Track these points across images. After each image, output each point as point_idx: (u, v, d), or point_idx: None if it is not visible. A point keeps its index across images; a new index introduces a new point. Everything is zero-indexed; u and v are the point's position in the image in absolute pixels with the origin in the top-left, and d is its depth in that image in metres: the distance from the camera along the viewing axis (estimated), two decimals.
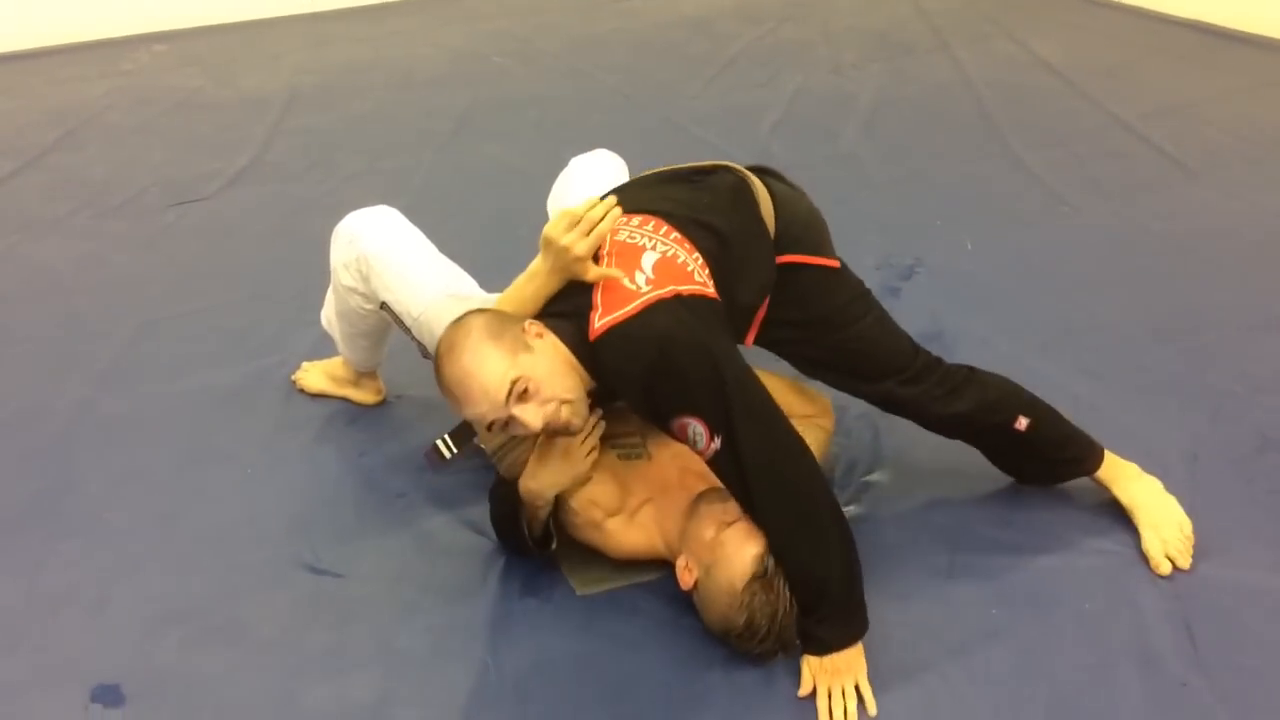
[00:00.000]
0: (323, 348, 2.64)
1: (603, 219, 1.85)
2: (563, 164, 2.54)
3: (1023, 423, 2.07)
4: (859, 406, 2.42)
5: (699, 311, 1.81)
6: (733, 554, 1.79)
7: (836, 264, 2.07)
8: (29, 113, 4.50)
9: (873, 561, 2.07)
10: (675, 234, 1.90)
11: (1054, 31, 5.12)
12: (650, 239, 1.89)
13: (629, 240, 1.88)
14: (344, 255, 2.23)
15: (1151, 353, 2.68)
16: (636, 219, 1.93)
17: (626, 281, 1.81)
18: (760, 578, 1.76)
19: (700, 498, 1.90)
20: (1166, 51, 4.82)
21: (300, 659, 1.91)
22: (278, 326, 2.87)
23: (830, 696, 1.78)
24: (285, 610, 2.01)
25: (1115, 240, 3.24)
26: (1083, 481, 2.17)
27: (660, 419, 1.82)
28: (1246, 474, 2.26)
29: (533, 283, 1.90)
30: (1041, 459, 2.15)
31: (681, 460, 2.02)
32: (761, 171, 2.09)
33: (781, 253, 2.00)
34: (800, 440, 1.82)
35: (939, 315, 2.75)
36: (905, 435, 2.32)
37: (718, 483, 1.95)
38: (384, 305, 2.21)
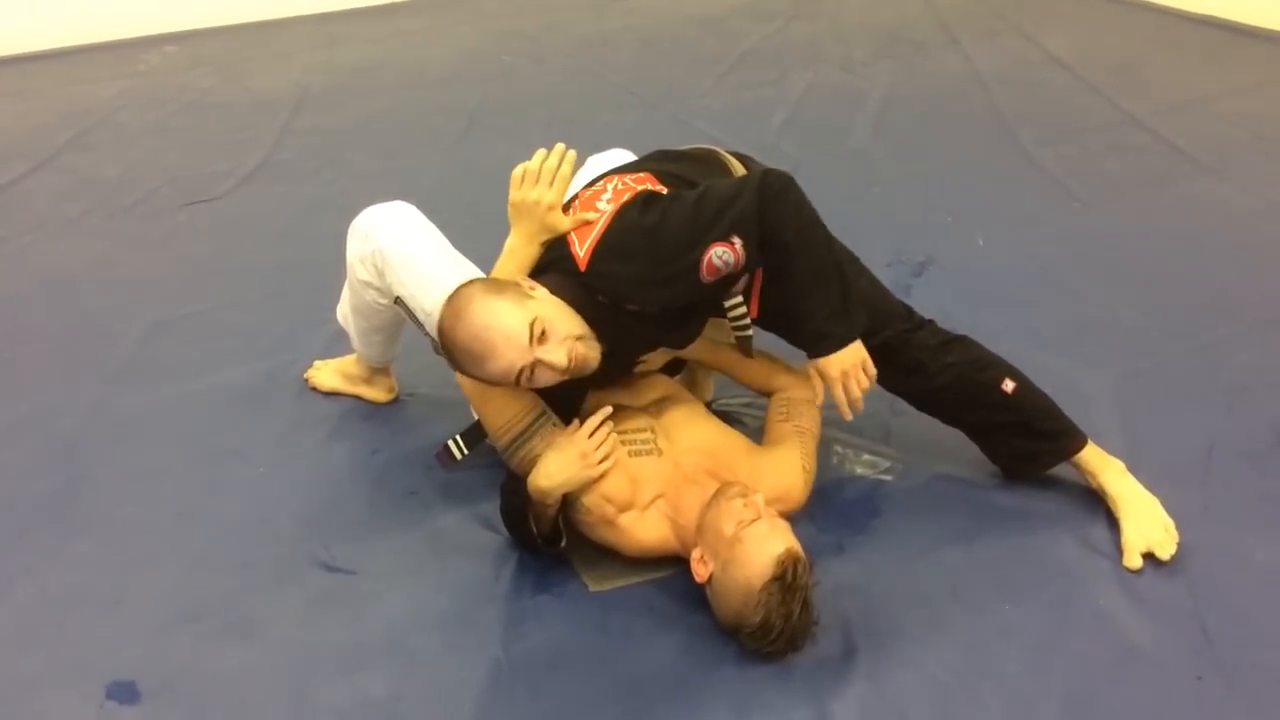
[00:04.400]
0: (335, 346, 2.65)
1: (560, 165, 1.93)
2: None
3: (1009, 385, 2.11)
4: (869, 405, 2.41)
5: (654, 194, 1.93)
6: (753, 552, 1.79)
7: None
8: (41, 114, 4.52)
9: (885, 559, 2.07)
10: (640, 174, 2.02)
11: (1064, 27, 5.11)
12: (610, 182, 2.00)
13: (590, 192, 2.00)
14: (360, 250, 2.24)
15: (1166, 348, 2.67)
16: (600, 181, 2.04)
17: (590, 214, 1.93)
18: (779, 579, 1.76)
19: (720, 492, 1.90)
20: (1178, 47, 4.80)
21: (313, 656, 1.91)
22: (290, 325, 2.87)
23: (845, 387, 1.96)
24: (298, 607, 2.01)
25: (1127, 236, 3.23)
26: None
27: (693, 284, 1.88)
28: (1262, 469, 2.25)
29: (513, 258, 1.96)
30: (1030, 432, 2.15)
31: (693, 455, 2.03)
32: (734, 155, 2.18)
33: None
34: (775, 181, 1.90)
35: (951, 312, 2.73)
36: (916, 434, 2.32)
37: (731, 477, 1.96)
38: (398, 300, 2.21)
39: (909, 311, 2.17)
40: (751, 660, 1.84)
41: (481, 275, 2.25)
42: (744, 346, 2.16)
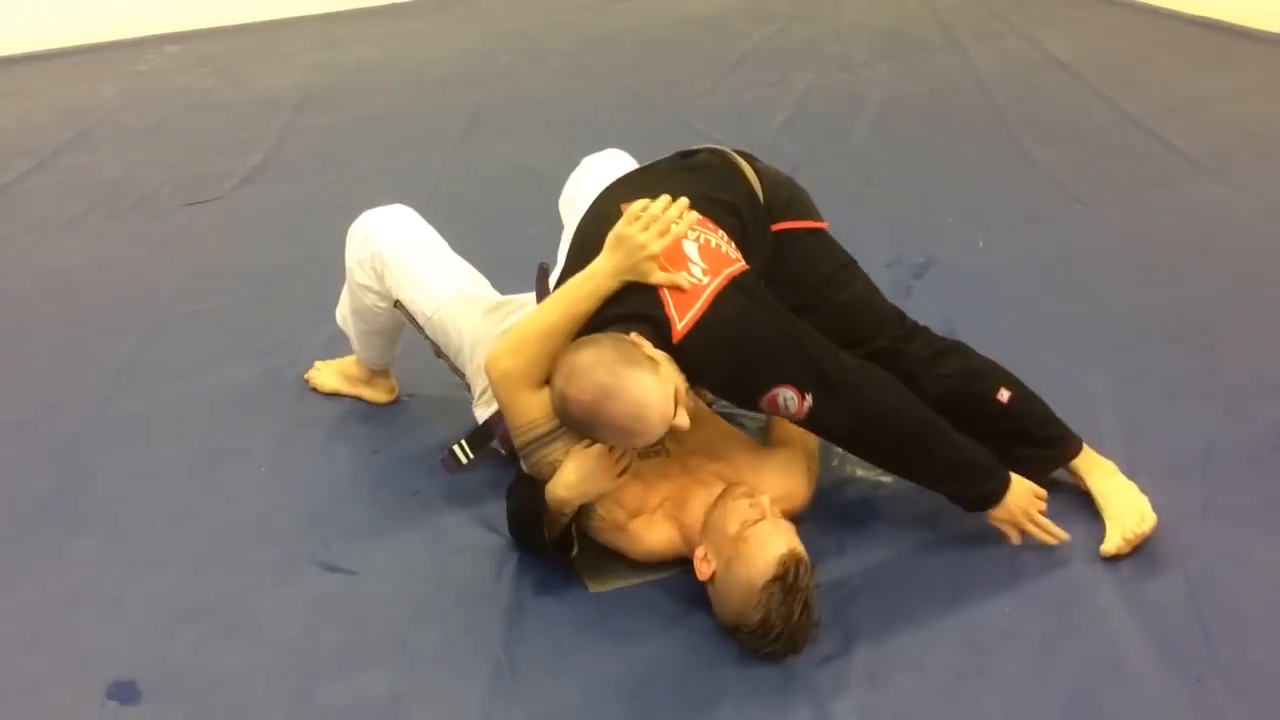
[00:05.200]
0: (336, 346, 2.65)
1: (677, 219, 1.90)
2: (573, 163, 2.54)
3: (1005, 395, 2.11)
4: None
5: (752, 288, 1.93)
6: (756, 552, 1.79)
7: (825, 225, 2.16)
8: (42, 113, 4.52)
9: (885, 560, 2.08)
10: (698, 216, 1.98)
11: (1064, 28, 5.11)
12: (692, 236, 1.95)
13: (674, 244, 1.91)
14: (359, 253, 2.24)
15: (1165, 350, 2.67)
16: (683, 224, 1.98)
17: (686, 277, 1.88)
18: (781, 579, 1.76)
19: (726, 492, 1.91)
20: (1177, 48, 4.81)
21: (314, 656, 1.91)
22: (291, 325, 2.87)
23: (1033, 523, 2.00)
24: (299, 607, 2.01)
25: (1127, 237, 3.23)
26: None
27: (749, 399, 1.92)
28: (1262, 470, 2.25)
29: (591, 282, 1.89)
30: (1028, 439, 2.14)
31: (700, 456, 2.03)
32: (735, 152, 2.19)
33: (775, 220, 2.09)
34: (874, 367, 1.96)
35: (951, 313, 2.75)
36: None
37: (737, 477, 1.96)
38: (398, 303, 2.22)
39: (901, 318, 2.16)
40: (752, 661, 1.84)
41: (484, 284, 2.26)
42: None
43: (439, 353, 2.23)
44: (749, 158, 2.17)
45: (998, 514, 1.99)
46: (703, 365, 1.88)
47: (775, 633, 1.78)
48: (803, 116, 4.21)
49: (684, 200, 1.93)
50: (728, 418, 2.28)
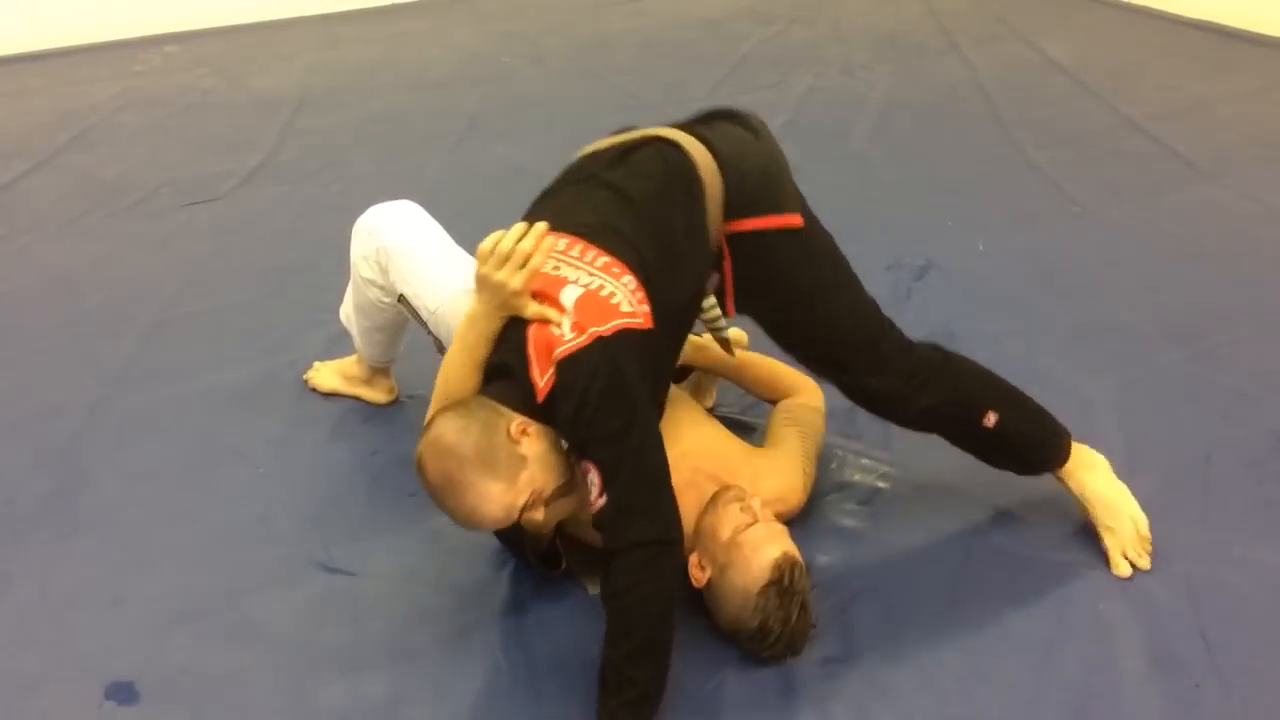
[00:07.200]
0: (335, 347, 2.65)
1: (534, 249, 1.75)
2: None
3: (991, 419, 2.00)
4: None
5: (620, 353, 1.72)
6: (750, 556, 1.79)
7: (799, 220, 1.95)
8: (41, 114, 4.52)
9: (884, 563, 2.08)
10: (603, 257, 1.79)
11: (1064, 32, 5.12)
12: (574, 269, 1.78)
13: (553, 271, 1.79)
14: (364, 247, 2.25)
15: (1164, 354, 2.67)
16: (562, 241, 1.82)
17: (554, 328, 1.73)
18: (776, 583, 1.76)
19: (718, 496, 1.90)
20: (1177, 52, 4.81)
21: (313, 657, 1.91)
22: (290, 326, 2.87)
23: None
24: (298, 608, 2.01)
25: (1127, 241, 3.23)
26: None
27: (580, 455, 1.75)
28: (1261, 475, 2.25)
29: (475, 326, 1.82)
30: (1016, 460, 2.10)
31: (692, 460, 2.02)
32: (710, 119, 1.99)
33: (736, 218, 1.89)
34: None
35: (951, 316, 2.75)
36: (915, 439, 2.31)
37: (731, 479, 1.96)
38: (402, 298, 2.22)
39: (880, 338, 2.00)
40: (751, 664, 1.84)
41: None
42: (724, 346, 2.15)
43: (441, 349, 2.23)
44: (729, 120, 2.00)
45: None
46: (562, 420, 1.72)
47: (774, 636, 1.79)
48: (802, 119, 4.21)
49: (541, 226, 1.77)
50: (724, 422, 2.28)
